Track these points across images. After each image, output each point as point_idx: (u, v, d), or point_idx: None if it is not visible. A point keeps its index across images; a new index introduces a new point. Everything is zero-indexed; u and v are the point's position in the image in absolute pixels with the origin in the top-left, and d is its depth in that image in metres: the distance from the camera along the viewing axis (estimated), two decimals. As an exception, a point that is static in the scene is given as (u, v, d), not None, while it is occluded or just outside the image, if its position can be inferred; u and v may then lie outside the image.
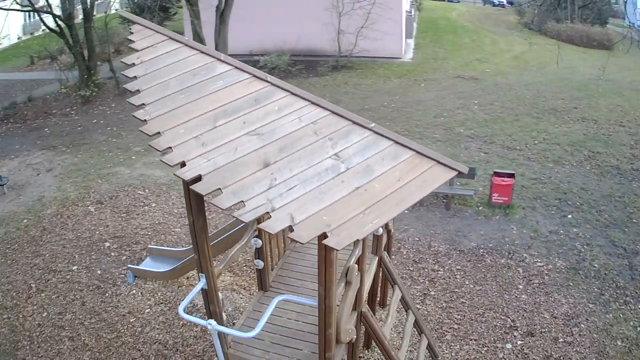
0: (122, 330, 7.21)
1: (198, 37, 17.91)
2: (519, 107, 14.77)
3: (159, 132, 3.85)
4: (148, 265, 8.31)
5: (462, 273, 8.45)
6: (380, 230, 6.01)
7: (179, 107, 3.98)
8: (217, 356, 5.11)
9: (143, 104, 4.04)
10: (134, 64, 4.32)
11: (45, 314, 7.51)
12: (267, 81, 4.09)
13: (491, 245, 9.00)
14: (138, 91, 4.15)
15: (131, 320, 7.37)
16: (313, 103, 3.96)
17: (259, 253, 5.46)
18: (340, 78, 18.35)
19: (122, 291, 8.05)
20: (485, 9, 38.92)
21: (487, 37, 19.82)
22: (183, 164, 3.64)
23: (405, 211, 10.09)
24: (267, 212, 3.34)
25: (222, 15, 18.15)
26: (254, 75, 4.13)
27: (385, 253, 6.40)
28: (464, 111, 14.65)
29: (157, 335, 7.24)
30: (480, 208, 10.00)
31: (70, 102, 18.78)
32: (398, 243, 9.28)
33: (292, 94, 4.01)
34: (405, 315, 6.63)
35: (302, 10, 19.55)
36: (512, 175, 9.57)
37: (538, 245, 8.84)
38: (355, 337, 5.03)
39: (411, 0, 25.09)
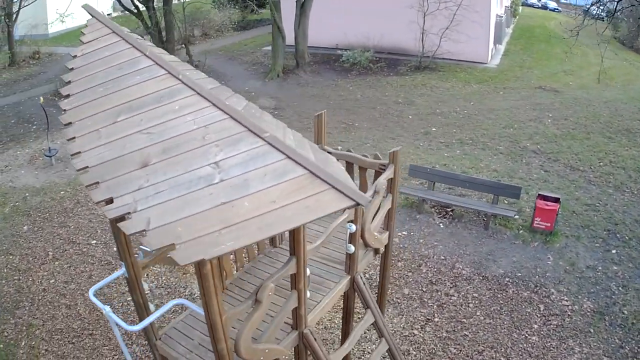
0: (117, 307, 7.54)
1: (277, 28, 18.17)
2: (592, 125, 13.21)
3: (70, 122, 3.88)
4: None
5: (476, 302, 7.66)
6: (352, 248, 5.58)
7: (94, 100, 3.95)
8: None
9: (69, 95, 4.09)
10: (76, 56, 4.38)
11: (53, 280, 8.09)
12: (179, 79, 3.91)
13: (519, 274, 8.05)
14: (70, 82, 4.20)
15: (128, 299, 7.67)
16: (215, 105, 3.69)
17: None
18: (419, 79, 17.55)
19: (132, 270, 8.38)
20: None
21: (578, 48, 17.91)
22: (79, 154, 3.63)
23: (441, 225, 9.41)
24: (129, 212, 3.19)
25: (302, 6, 18.23)
26: (170, 72, 3.97)
27: (360, 274, 5.89)
28: (535, 124, 13.34)
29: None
30: (521, 232, 8.98)
31: None
32: (420, 260, 8.67)
33: (198, 93, 3.78)
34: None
35: (387, 6, 18.93)
36: (557, 200, 8.45)
37: (570, 281, 7.76)
38: (285, 357, 4.75)
39: (506, 5, 23.26)
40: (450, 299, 7.80)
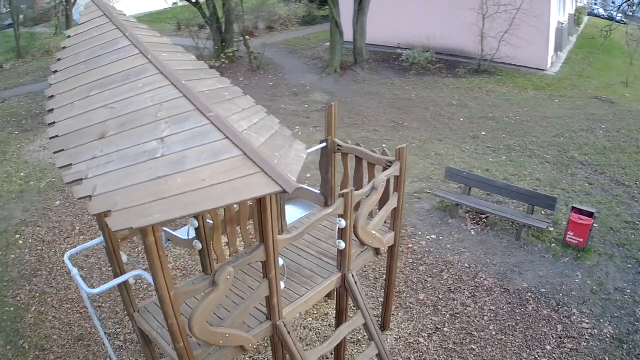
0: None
1: (336, 23, 18.16)
2: (644, 139, 12.13)
3: (53, 96, 4.09)
4: (184, 233, 8.80)
5: (492, 315, 7.22)
6: (343, 244, 5.45)
7: (76, 76, 4.14)
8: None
9: (56, 71, 4.32)
10: (69, 36, 4.61)
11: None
12: (148, 59, 4.00)
13: (543, 290, 7.50)
14: (59, 59, 4.43)
15: (142, 278, 7.94)
16: (173, 84, 3.74)
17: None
18: (476, 82, 16.89)
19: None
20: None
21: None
22: (54, 124, 3.82)
23: (472, 232, 8.99)
24: (81, 179, 3.31)
25: (360, 3, 18.10)
26: (142, 52, 4.07)
27: (352, 273, 5.73)
28: (586, 134, 12.45)
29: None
30: (553, 245, 8.38)
31: None
32: (444, 266, 8.33)
33: (161, 73, 3.85)
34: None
35: (447, 7, 18.37)
36: (591, 215, 7.78)
37: (594, 302, 7.14)
38: (252, 345, 4.71)
39: (570, 13, 21.80)
40: (466, 309, 7.40)
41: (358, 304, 5.75)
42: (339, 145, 6.72)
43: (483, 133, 13.03)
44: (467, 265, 8.30)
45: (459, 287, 7.90)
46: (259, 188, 3.08)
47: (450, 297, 7.71)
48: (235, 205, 5.76)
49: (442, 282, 8.04)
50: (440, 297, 7.74)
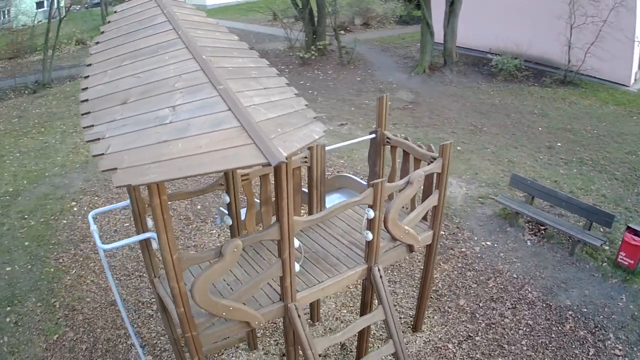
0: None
1: (427, 24, 17.94)
2: None
3: (90, 64, 4.40)
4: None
5: (527, 330, 6.85)
6: (370, 235, 5.36)
7: (113, 47, 4.43)
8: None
9: (98, 42, 4.64)
10: (116, 11, 4.94)
11: (127, 224, 9.01)
12: (178, 34, 4.19)
13: (585, 310, 7.02)
14: (103, 32, 4.76)
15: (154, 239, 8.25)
16: (194, 58, 3.90)
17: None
18: (560, 93, 15.97)
19: (205, 228, 9.05)
20: None
21: None
22: (86, 89, 4.12)
23: (528, 242, 8.59)
24: (99, 138, 3.55)
25: (452, 5, 17.73)
26: (174, 28, 4.28)
27: (379, 267, 5.61)
28: (659, 155, 11.41)
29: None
30: (604, 264, 7.83)
31: (289, 60, 20.60)
32: (492, 273, 8.03)
33: (187, 47, 4.03)
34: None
35: (537, 15, 17.50)
36: (648, 236, 7.13)
37: (632, 329, 6.61)
38: (260, 323, 4.77)
39: None
40: (503, 320, 7.07)
41: (380, 299, 5.64)
42: (387, 138, 6.62)
43: (559, 144, 12.36)
44: (515, 276, 7.94)
45: (502, 297, 7.57)
46: (245, 158, 3.17)
47: (491, 306, 7.41)
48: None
49: (486, 290, 7.75)
50: (481, 305, 7.46)
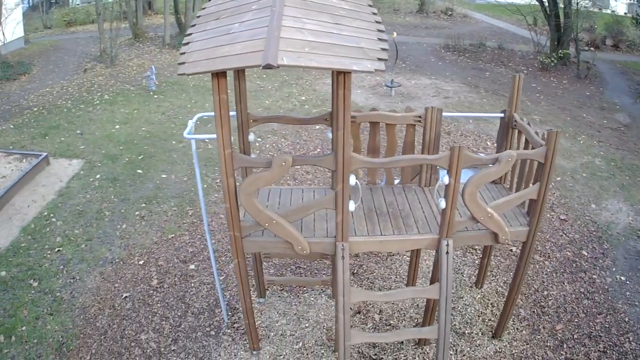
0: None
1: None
2: None
3: (195, 24, 4.90)
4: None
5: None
6: (443, 203, 5.17)
7: (219, 10, 4.89)
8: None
9: (204, 7, 5.23)
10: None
11: None
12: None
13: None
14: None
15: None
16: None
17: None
18: None
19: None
20: None
21: None
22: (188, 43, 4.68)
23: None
24: (189, 42, 4.37)
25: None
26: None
27: (448, 241, 5.38)
28: None
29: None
30: None
31: (530, 63, 20.22)
32: (605, 309, 7.04)
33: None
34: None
35: None
36: None
37: None
38: (304, 249, 5.06)
39: None
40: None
41: (440, 277, 5.42)
42: (515, 121, 6.22)
43: None
44: (627, 320, 6.83)
45: (600, 336, 6.59)
46: (248, 60, 3.64)
47: (583, 342, 6.52)
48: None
49: (590, 324, 6.80)
50: (574, 337, 6.59)
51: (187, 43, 4.36)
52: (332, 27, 4.29)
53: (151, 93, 16.30)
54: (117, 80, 18.06)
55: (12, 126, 13.81)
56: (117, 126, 13.68)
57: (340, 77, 4.19)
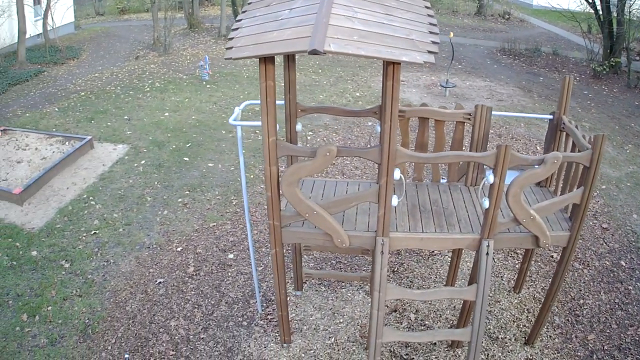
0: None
1: None
2: None
3: (245, 11, 4.89)
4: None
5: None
6: (487, 203, 5.01)
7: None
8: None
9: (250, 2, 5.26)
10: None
11: None
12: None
13: None
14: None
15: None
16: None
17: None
18: None
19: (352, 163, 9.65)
20: None
21: None
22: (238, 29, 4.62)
23: None
24: (238, 28, 4.39)
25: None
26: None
27: (489, 242, 5.23)
28: None
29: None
30: None
31: (583, 70, 19.60)
32: (637, 322, 6.76)
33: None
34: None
35: None
36: None
37: None
38: (343, 242, 5.01)
39: None
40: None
41: (478, 278, 5.28)
42: (563, 123, 6.03)
43: None
44: None
45: (629, 349, 6.35)
46: (295, 46, 3.60)
47: (612, 354, 6.26)
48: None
49: (622, 336, 6.54)
50: (605, 348, 6.33)
51: (237, 29, 4.38)
52: (383, 17, 4.23)
53: (204, 83, 16.55)
54: (169, 68, 18.41)
55: (57, 109, 14.20)
56: (167, 114, 13.93)
57: (390, 68, 4.12)
